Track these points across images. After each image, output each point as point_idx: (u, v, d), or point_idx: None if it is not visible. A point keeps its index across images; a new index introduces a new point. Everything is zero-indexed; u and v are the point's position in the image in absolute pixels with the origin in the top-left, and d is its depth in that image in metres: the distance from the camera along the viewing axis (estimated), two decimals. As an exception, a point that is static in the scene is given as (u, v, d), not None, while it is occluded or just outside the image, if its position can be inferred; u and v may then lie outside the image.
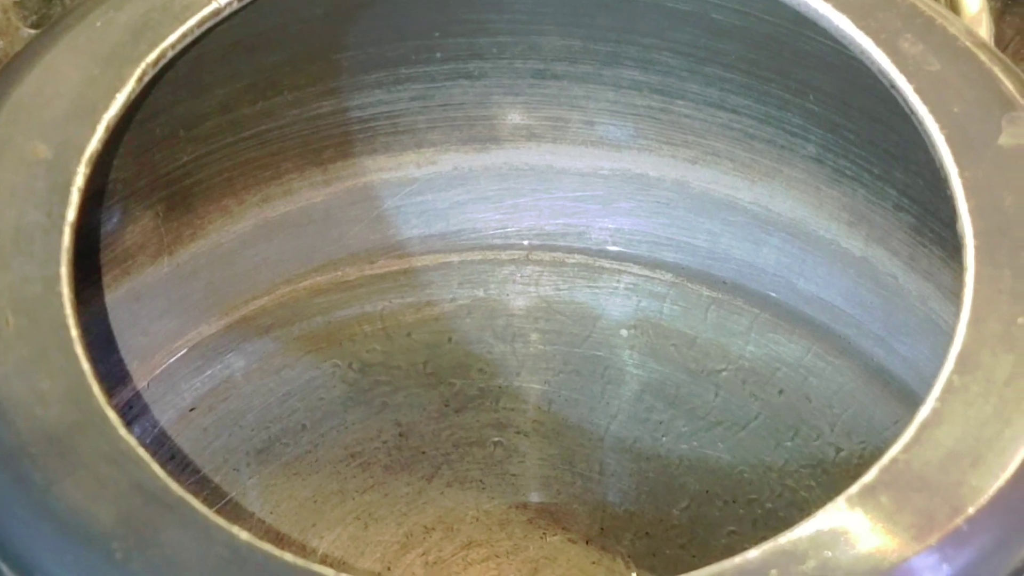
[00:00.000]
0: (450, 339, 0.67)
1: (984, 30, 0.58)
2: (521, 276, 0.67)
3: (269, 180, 0.64)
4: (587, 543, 0.65)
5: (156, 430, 0.62)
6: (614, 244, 0.67)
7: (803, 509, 0.60)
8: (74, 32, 0.51)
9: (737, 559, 0.39)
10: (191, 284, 0.63)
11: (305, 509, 0.64)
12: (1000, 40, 0.59)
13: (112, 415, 0.41)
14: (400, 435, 0.67)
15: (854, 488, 0.40)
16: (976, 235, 0.45)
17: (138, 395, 0.61)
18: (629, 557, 0.65)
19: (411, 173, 0.67)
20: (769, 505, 0.63)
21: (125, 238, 0.59)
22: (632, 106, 0.64)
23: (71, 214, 0.46)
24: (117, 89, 0.49)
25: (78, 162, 0.47)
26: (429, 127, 0.66)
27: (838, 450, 0.61)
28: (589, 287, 0.67)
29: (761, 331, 0.64)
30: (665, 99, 0.63)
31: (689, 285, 0.65)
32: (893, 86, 0.49)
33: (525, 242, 0.67)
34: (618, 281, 0.66)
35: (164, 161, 0.59)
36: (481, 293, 0.67)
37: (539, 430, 0.67)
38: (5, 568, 0.40)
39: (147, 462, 0.40)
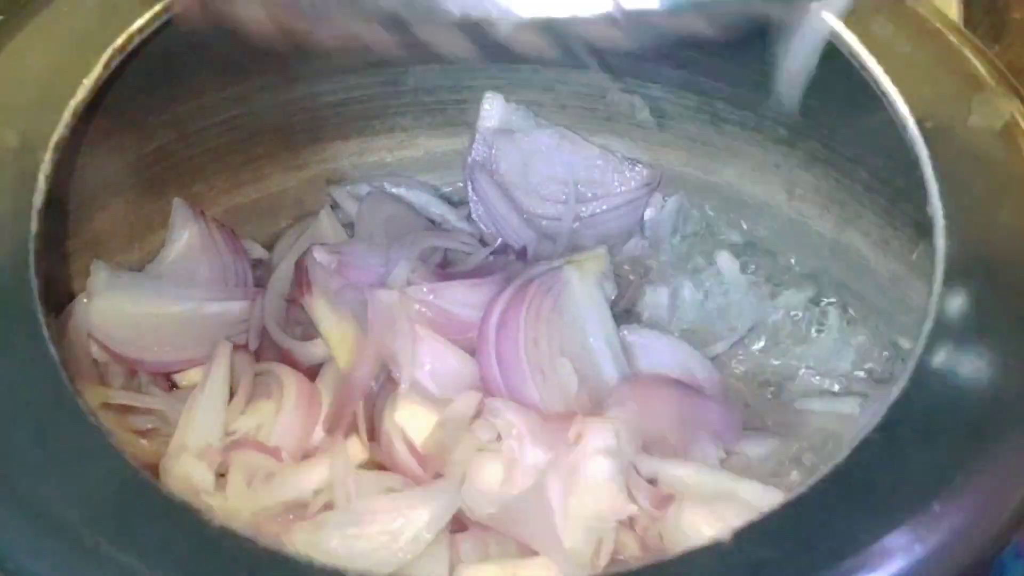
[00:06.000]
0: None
1: (954, 11, 0.58)
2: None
3: (240, 166, 0.64)
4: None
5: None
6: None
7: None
8: (40, 17, 0.51)
9: (711, 541, 0.39)
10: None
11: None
12: (969, 21, 0.59)
13: (83, 404, 0.41)
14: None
15: (827, 468, 0.40)
16: (947, 216, 0.45)
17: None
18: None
19: (383, 158, 0.67)
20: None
21: (95, 225, 0.59)
22: (604, 89, 0.64)
23: (39, 201, 0.46)
24: (84, 75, 0.49)
25: (45, 149, 0.47)
26: (401, 112, 0.66)
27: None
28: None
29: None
30: (637, 82, 0.63)
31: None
32: (864, 68, 0.49)
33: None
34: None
35: (133, 147, 0.59)
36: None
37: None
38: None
39: (119, 452, 0.40)
